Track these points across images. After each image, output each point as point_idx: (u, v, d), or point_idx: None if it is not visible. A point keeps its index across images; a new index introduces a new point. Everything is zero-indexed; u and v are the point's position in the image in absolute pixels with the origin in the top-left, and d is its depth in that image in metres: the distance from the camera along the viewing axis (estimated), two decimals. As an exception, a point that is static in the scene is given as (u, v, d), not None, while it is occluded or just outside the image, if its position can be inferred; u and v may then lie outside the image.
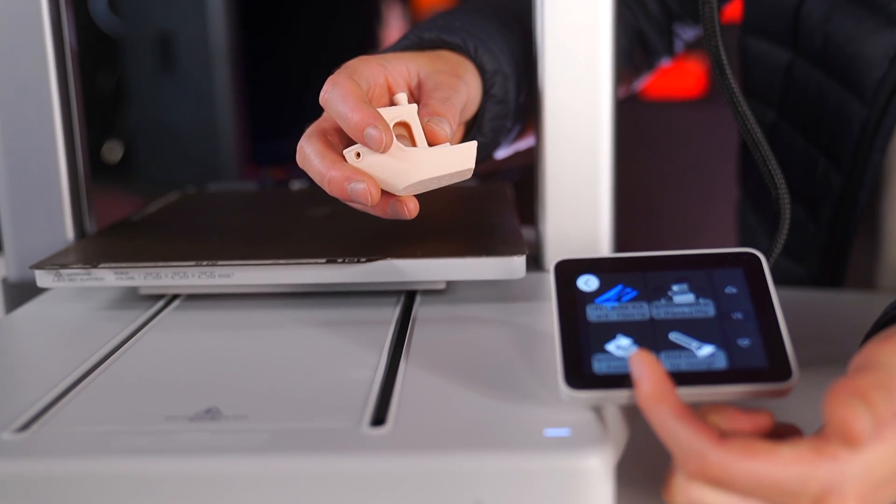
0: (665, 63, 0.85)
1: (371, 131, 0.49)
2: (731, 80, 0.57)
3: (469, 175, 0.53)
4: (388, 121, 0.51)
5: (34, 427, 0.40)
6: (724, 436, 0.36)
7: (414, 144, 0.52)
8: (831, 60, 0.68)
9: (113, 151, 1.90)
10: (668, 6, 0.80)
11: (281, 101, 1.79)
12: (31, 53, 0.60)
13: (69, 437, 0.39)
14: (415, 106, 0.52)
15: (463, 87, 0.57)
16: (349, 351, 0.48)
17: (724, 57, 0.56)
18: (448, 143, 0.52)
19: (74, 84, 0.63)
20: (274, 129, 1.78)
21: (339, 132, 0.53)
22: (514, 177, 2.03)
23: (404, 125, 0.52)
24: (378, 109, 0.51)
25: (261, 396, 0.43)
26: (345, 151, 0.52)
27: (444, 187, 0.74)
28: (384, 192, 0.52)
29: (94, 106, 1.89)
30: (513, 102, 0.62)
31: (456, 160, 0.52)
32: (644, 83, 0.87)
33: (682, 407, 0.37)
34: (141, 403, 0.42)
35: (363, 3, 1.98)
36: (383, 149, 0.50)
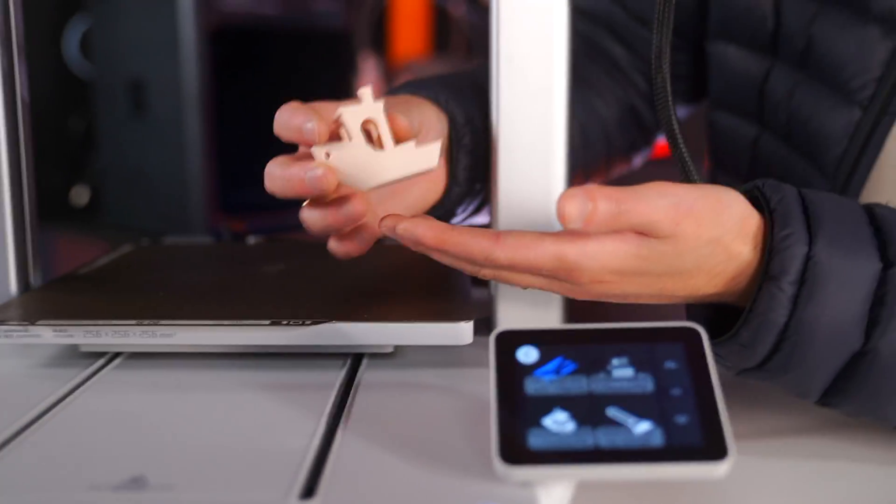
0: (662, 138, 0.87)
1: (308, 125, 0.51)
2: (684, 152, 0.57)
3: (432, 170, 0.54)
4: (354, 117, 0.51)
5: (-49, 494, 0.38)
6: (498, 236, 0.48)
7: (380, 144, 0.52)
8: (795, 136, 0.69)
9: (81, 196, 1.88)
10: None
11: (252, 150, 1.78)
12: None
13: (-14, 506, 0.38)
14: (381, 103, 0.52)
15: (418, 111, 0.59)
16: (287, 416, 0.48)
17: (676, 128, 0.57)
18: (413, 142, 0.52)
19: (25, 134, 0.62)
20: (244, 178, 1.77)
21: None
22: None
23: (370, 123, 0.52)
24: (343, 105, 0.52)
25: (191, 464, 0.42)
26: (313, 149, 0.52)
27: (401, 247, 0.74)
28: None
29: (64, 149, 1.88)
30: (484, 157, 0.63)
31: (422, 159, 0.52)
32: (643, 160, 0.88)
33: (454, 229, 0.48)
34: (66, 470, 0.41)
35: (338, 54, 1.99)
36: (317, 139, 0.51)
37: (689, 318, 0.56)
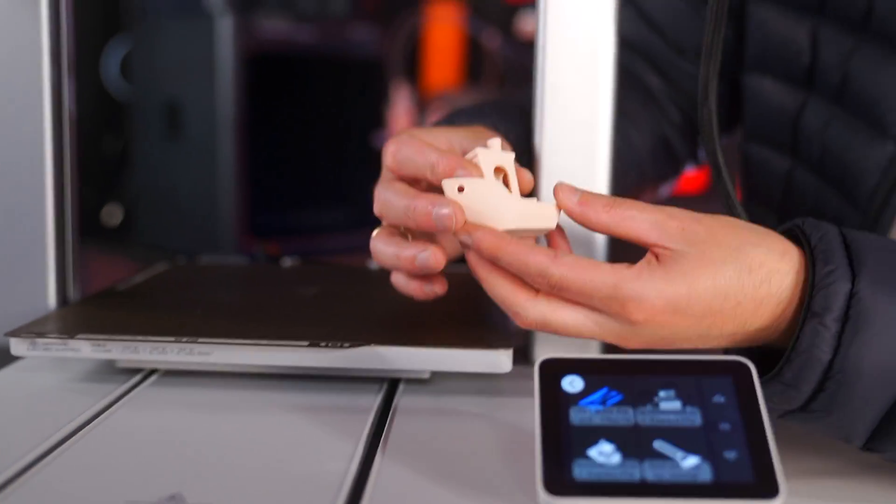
0: (690, 169, 0.86)
1: (461, 171, 0.51)
2: (728, 183, 0.56)
3: (548, 231, 0.53)
4: (488, 163, 0.51)
5: (-12, 505, 0.38)
6: (556, 254, 0.47)
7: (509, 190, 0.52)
8: (828, 169, 0.68)
9: (112, 215, 1.90)
10: (688, 113, 0.82)
11: (283, 175, 1.80)
12: (28, 117, 0.60)
13: (23, 519, 0.37)
14: (512, 154, 0.52)
15: (480, 137, 0.58)
16: (325, 439, 0.47)
17: (720, 160, 0.56)
18: (535, 198, 0.52)
19: (70, 150, 0.62)
20: (274, 202, 1.78)
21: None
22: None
23: (501, 171, 0.52)
24: (479, 149, 0.51)
25: (228, 484, 0.41)
26: (444, 181, 0.51)
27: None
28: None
29: (98, 169, 1.90)
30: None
31: (542, 217, 0.51)
32: (671, 188, 0.88)
33: (514, 240, 0.48)
34: (102, 486, 0.41)
35: (371, 82, 2.00)
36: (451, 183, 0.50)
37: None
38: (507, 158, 0.52)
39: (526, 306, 0.48)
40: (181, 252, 0.81)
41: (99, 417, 0.49)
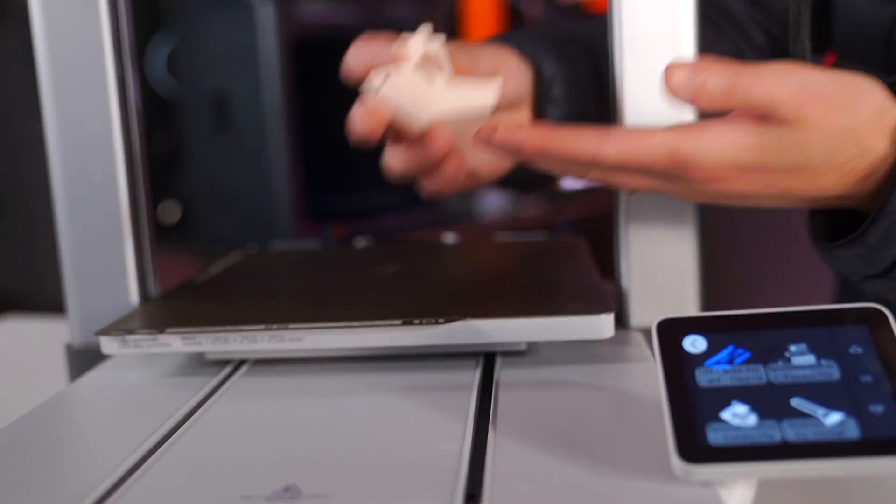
0: None
1: (365, 48, 0.51)
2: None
3: (488, 113, 0.51)
4: (414, 49, 0.50)
5: (102, 508, 0.37)
6: (604, 134, 0.44)
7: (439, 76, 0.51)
8: None
9: (170, 213, 1.90)
10: (774, 36, 0.77)
11: (336, 158, 1.79)
12: (96, 112, 0.59)
13: (139, 520, 0.36)
14: (441, 37, 0.51)
15: (494, 55, 0.56)
16: (431, 419, 0.45)
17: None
18: (471, 79, 0.50)
19: (138, 143, 0.61)
20: (330, 186, 1.77)
21: None
22: (569, 228, 1.98)
23: (431, 57, 0.50)
24: (402, 38, 0.50)
25: (341, 472, 0.39)
26: (372, 72, 0.50)
27: (515, 243, 0.71)
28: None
29: (152, 167, 1.91)
30: (577, 110, 0.60)
31: (479, 97, 0.50)
32: None
33: (559, 129, 0.45)
34: (214, 481, 0.39)
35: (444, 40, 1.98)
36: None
37: (812, 225, 0.52)
38: (436, 43, 0.50)
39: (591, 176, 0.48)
40: (241, 245, 0.80)
41: (198, 411, 0.47)
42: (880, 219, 0.45)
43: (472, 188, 0.58)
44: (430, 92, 0.49)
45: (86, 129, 0.59)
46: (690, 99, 0.42)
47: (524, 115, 0.60)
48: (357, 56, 0.51)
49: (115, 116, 0.59)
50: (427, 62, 0.50)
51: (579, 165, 0.46)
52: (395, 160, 0.53)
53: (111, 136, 0.59)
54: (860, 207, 0.48)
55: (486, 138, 0.47)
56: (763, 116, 0.43)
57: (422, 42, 0.50)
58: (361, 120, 0.50)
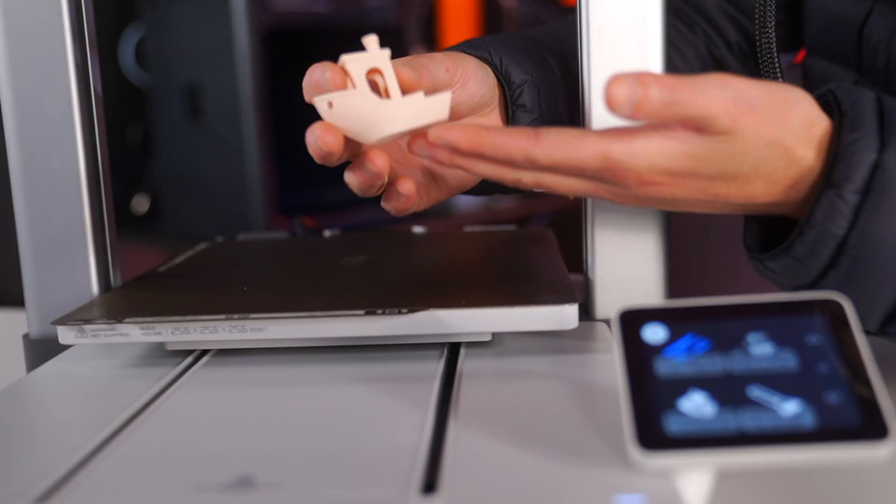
0: None
1: (325, 74, 0.48)
2: None
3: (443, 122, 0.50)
4: (359, 67, 0.48)
5: (55, 498, 0.36)
6: (537, 134, 0.44)
7: (387, 93, 0.49)
8: (894, 81, 0.65)
9: (139, 203, 1.88)
10: (747, 30, 0.77)
11: (308, 152, 1.78)
12: (56, 99, 0.58)
13: (90, 510, 0.35)
14: (387, 51, 0.49)
15: (451, 62, 0.55)
16: (391, 410, 0.45)
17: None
18: (422, 93, 0.48)
19: (100, 131, 0.60)
20: (302, 180, 1.76)
21: None
22: (543, 222, 1.98)
23: (377, 72, 0.49)
24: (347, 55, 0.48)
25: (297, 462, 0.39)
26: (315, 99, 0.49)
27: (484, 233, 0.71)
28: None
29: (123, 158, 1.89)
30: (548, 114, 0.60)
31: (431, 111, 0.48)
32: None
33: (491, 128, 0.45)
34: (168, 470, 0.39)
35: (390, 50, 1.97)
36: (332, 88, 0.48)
37: (746, 234, 0.52)
38: (381, 58, 0.49)
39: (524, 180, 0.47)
40: (212, 237, 0.79)
41: (156, 401, 0.47)
42: (806, 231, 0.45)
43: (442, 199, 0.57)
44: (380, 110, 0.47)
45: (45, 114, 0.58)
46: (632, 113, 0.42)
47: (493, 119, 0.59)
48: (308, 86, 0.50)
49: (75, 101, 0.58)
50: (375, 78, 0.49)
51: (513, 167, 0.46)
52: (350, 180, 0.52)
53: (72, 122, 0.58)
54: (792, 215, 0.49)
55: (420, 146, 0.46)
56: (698, 127, 0.43)
57: (367, 60, 0.49)
58: (318, 141, 0.49)
